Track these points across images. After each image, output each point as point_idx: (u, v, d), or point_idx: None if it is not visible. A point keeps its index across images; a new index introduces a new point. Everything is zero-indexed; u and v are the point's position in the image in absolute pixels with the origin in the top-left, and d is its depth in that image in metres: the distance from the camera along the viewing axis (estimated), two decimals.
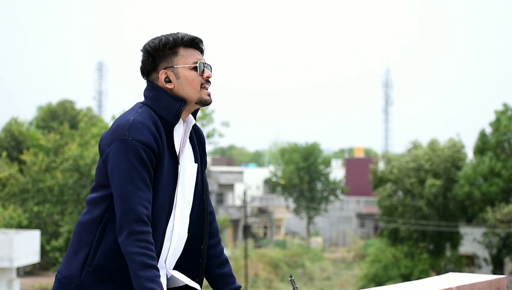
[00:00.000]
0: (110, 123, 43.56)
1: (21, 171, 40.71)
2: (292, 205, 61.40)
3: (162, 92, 2.98)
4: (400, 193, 39.20)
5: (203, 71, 3.01)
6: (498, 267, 36.89)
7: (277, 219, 61.45)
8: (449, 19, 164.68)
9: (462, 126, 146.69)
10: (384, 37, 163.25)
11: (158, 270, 2.80)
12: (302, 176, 60.02)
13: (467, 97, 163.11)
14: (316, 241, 56.57)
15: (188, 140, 3.07)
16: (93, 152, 38.17)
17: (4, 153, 40.84)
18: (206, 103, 3.01)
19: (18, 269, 30.42)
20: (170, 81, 2.99)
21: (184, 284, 3.06)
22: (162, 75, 2.99)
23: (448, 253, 38.70)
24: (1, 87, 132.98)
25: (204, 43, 3.08)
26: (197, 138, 3.12)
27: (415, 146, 40.27)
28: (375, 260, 39.00)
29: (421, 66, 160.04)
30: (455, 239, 37.99)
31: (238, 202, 58.58)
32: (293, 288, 3.23)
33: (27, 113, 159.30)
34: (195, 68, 3.00)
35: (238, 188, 59.97)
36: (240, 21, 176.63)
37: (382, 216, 39.78)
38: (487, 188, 35.40)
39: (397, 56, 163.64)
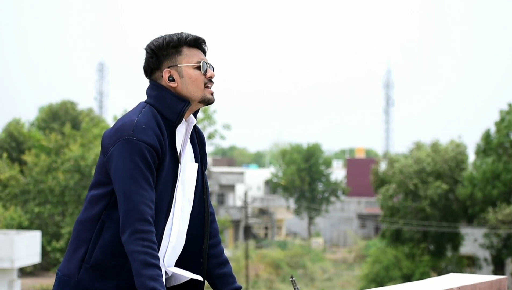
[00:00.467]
0: (111, 123, 43.57)
1: (21, 172, 40.72)
2: (293, 205, 61.41)
3: (165, 91, 3.00)
4: (400, 195, 39.17)
5: (206, 71, 3.03)
6: (499, 268, 36.88)
7: (278, 219, 61.46)
8: (449, 19, 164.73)
9: (463, 127, 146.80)
10: (385, 37, 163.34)
11: (160, 269, 2.81)
12: (303, 176, 60.03)
13: (468, 97, 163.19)
14: (317, 242, 56.57)
15: (189, 140, 3.09)
16: (94, 153, 38.17)
17: (5, 154, 40.85)
18: (209, 102, 3.04)
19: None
20: (173, 80, 3.00)
21: (185, 280, 3.07)
22: (165, 73, 3.00)
23: (449, 253, 38.69)
24: (1, 88, 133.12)
25: (207, 44, 3.11)
26: (197, 139, 3.14)
27: (418, 146, 40.23)
28: (376, 260, 38.99)
29: (421, 66, 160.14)
30: (456, 240, 37.99)
31: (239, 203, 58.60)
32: (294, 289, 3.24)
33: (28, 114, 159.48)
34: (198, 68, 3.02)
35: (239, 189, 59.98)
36: (240, 22, 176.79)
37: (384, 217, 39.77)
38: (489, 190, 35.43)
39: (397, 56, 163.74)
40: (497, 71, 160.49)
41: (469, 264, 39.08)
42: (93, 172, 37.44)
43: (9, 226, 35.41)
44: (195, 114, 3.12)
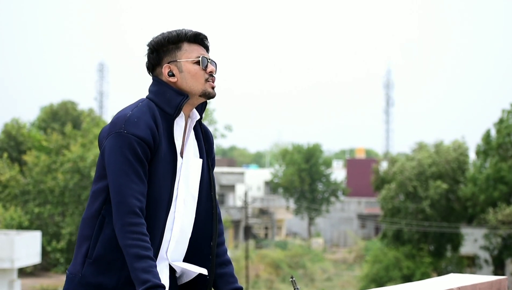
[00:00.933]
0: None
1: (21, 172, 40.71)
2: (293, 206, 61.40)
3: (165, 86, 3.04)
4: (401, 196, 39.16)
5: (206, 66, 3.07)
6: (499, 268, 36.89)
7: (278, 220, 61.46)
8: (449, 19, 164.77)
9: (464, 127, 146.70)
10: (385, 37, 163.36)
11: (153, 260, 2.85)
12: (303, 177, 60.03)
13: (468, 97, 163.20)
14: (317, 242, 56.57)
15: (193, 135, 3.13)
16: (93, 153, 38.19)
17: (5, 155, 40.83)
18: (209, 96, 3.08)
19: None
20: (173, 75, 3.05)
21: (194, 276, 3.10)
22: (165, 69, 3.05)
23: (449, 254, 38.69)
24: (1, 88, 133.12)
25: (208, 40, 3.15)
26: (203, 135, 3.17)
27: (421, 147, 40.18)
28: (376, 261, 39.00)
29: (421, 66, 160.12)
30: (456, 240, 37.99)
31: (239, 203, 58.61)
32: (294, 289, 3.24)
33: (28, 115, 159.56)
34: (198, 62, 3.06)
35: (239, 189, 59.99)
36: (240, 22, 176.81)
37: (384, 217, 39.77)
38: (491, 192, 35.45)
39: (397, 56, 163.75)
40: (498, 71, 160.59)
41: (469, 264, 39.08)
42: (92, 172, 37.51)
43: (9, 226, 35.42)
44: (200, 110, 3.15)
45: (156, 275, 2.82)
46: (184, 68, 3.04)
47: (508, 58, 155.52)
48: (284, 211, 61.73)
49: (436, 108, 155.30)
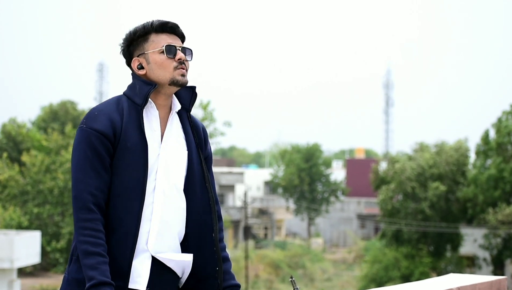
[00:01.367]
0: None
1: (21, 172, 40.69)
2: (292, 206, 61.39)
3: (136, 78, 3.07)
4: (400, 196, 39.14)
5: (175, 54, 3.06)
6: (498, 268, 36.88)
7: (278, 220, 61.44)
8: (449, 19, 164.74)
9: (464, 127, 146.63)
10: (385, 37, 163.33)
11: (103, 256, 2.85)
12: (303, 177, 60.01)
13: (468, 97, 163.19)
14: (317, 242, 56.56)
15: (178, 127, 3.12)
16: None
17: (5, 155, 40.79)
18: (178, 83, 3.06)
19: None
20: (142, 68, 3.07)
21: (189, 268, 3.07)
22: (134, 62, 3.08)
23: (448, 254, 38.68)
24: (1, 88, 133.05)
25: (181, 28, 3.13)
26: (192, 128, 3.15)
27: (422, 147, 40.12)
28: (375, 261, 38.99)
29: (421, 66, 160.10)
30: (455, 240, 37.97)
31: (238, 203, 58.59)
32: (294, 289, 3.24)
33: (28, 114, 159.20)
34: (164, 52, 3.05)
35: (239, 189, 59.97)
36: (241, 22, 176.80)
37: (383, 217, 39.76)
38: (492, 193, 35.45)
39: (397, 56, 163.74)
40: (498, 71, 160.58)
41: (469, 264, 39.07)
42: None
43: (8, 227, 35.41)
44: (188, 102, 3.15)
45: (103, 272, 2.83)
46: (151, 59, 3.05)
47: (509, 58, 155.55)
48: (284, 211, 61.71)
49: (435, 108, 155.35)
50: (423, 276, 35.73)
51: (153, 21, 3.08)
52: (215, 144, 48.28)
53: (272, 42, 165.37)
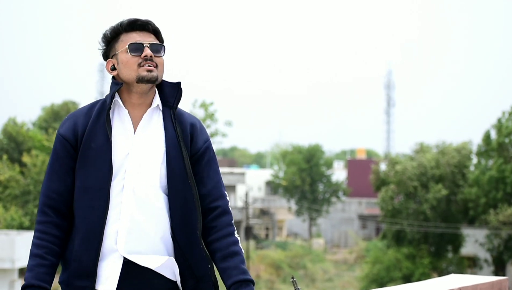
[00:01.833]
0: None
1: (22, 173, 40.68)
2: (294, 206, 61.38)
3: (112, 80, 3.08)
4: (401, 196, 39.12)
5: (142, 51, 3.01)
6: (499, 269, 36.87)
7: (279, 220, 61.43)
8: (450, 19, 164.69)
9: (465, 127, 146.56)
10: (386, 38, 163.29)
11: (43, 259, 2.89)
12: (304, 177, 60.00)
13: (469, 97, 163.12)
14: (318, 243, 56.55)
15: (157, 125, 3.04)
16: None
17: (5, 156, 40.75)
18: (144, 79, 2.99)
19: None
20: (115, 69, 3.07)
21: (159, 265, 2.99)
22: (108, 64, 3.09)
23: (449, 254, 38.67)
24: (2, 89, 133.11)
25: (153, 24, 3.06)
26: (175, 125, 3.05)
27: (422, 148, 40.09)
28: (376, 261, 38.99)
29: (422, 67, 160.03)
30: (457, 241, 37.96)
31: (240, 204, 58.58)
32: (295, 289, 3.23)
33: (29, 115, 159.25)
34: (128, 50, 3.03)
35: (240, 190, 59.96)
36: (241, 23, 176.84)
37: (384, 217, 39.74)
38: (494, 194, 35.44)
39: (398, 57, 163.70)
40: (499, 71, 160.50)
41: (470, 265, 39.05)
42: None
43: (9, 227, 35.40)
44: (173, 99, 3.07)
45: (36, 274, 2.87)
46: (119, 59, 3.03)
47: (509, 58, 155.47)
48: (285, 211, 61.70)
49: (437, 108, 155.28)
50: (425, 276, 35.73)
51: (123, 20, 3.05)
52: (216, 144, 48.26)
53: (272, 42, 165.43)
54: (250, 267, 40.52)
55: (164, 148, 3.01)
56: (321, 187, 61.47)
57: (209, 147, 3.13)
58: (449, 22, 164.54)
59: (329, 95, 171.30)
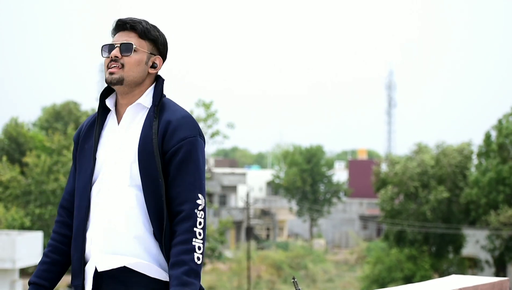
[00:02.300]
0: None
1: (23, 173, 40.69)
2: (295, 207, 61.41)
3: None
4: (401, 197, 39.10)
5: (110, 52, 2.97)
6: (500, 270, 36.86)
7: (280, 221, 61.45)
8: (450, 19, 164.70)
9: (466, 127, 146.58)
10: (386, 38, 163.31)
11: (47, 257, 3.03)
12: (305, 178, 60.02)
13: (470, 98, 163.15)
14: (319, 243, 56.56)
15: (135, 125, 2.99)
16: None
17: (4, 158, 40.74)
18: (107, 81, 2.97)
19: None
20: None
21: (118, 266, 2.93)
22: None
23: (450, 255, 38.66)
24: (2, 89, 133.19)
25: (133, 22, 2.97)
26: (155, 123, 2.96)
27: (420, 148, 40.08)
28: (377, 262, 38.98)
29: (422, 67, 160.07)
30: (458, 242, 37.96)
31: (241, 204, 58.59)
32: None
33: (30, 115, 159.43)
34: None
35: (241, 190, 59.97)
36: (241, 23, 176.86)
37: (384, 218, 39.74)
38: (494, 196, 35.43)
39: (399, 57, 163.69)
40: (499, 71, 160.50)
41: (471, 266, 39.05)
42: None
43: (10, 227, 35.40)
44: (154, 96, 2.99)
45: (37, 272, 3.00)
46: None
47: (509, 59, 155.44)
48: (286, 212, 61.72)
49: (437, 109, 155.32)
50: (426, 277, 35.72)
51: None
52: (217, 144, 48.25)
53: (272, 42, 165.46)
54: (251, 268, 40.51)
55: (137, 147, 2.94)
56: (322, 187, 61.48)
57: (184, 146, 2.92)
58: (449, 22, 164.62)
59: (330, 95, 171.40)
